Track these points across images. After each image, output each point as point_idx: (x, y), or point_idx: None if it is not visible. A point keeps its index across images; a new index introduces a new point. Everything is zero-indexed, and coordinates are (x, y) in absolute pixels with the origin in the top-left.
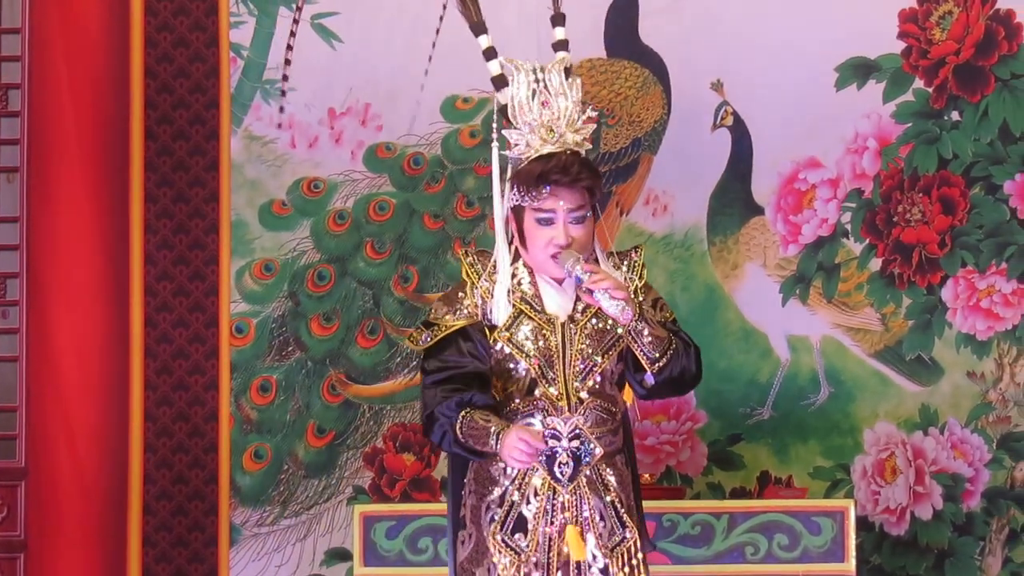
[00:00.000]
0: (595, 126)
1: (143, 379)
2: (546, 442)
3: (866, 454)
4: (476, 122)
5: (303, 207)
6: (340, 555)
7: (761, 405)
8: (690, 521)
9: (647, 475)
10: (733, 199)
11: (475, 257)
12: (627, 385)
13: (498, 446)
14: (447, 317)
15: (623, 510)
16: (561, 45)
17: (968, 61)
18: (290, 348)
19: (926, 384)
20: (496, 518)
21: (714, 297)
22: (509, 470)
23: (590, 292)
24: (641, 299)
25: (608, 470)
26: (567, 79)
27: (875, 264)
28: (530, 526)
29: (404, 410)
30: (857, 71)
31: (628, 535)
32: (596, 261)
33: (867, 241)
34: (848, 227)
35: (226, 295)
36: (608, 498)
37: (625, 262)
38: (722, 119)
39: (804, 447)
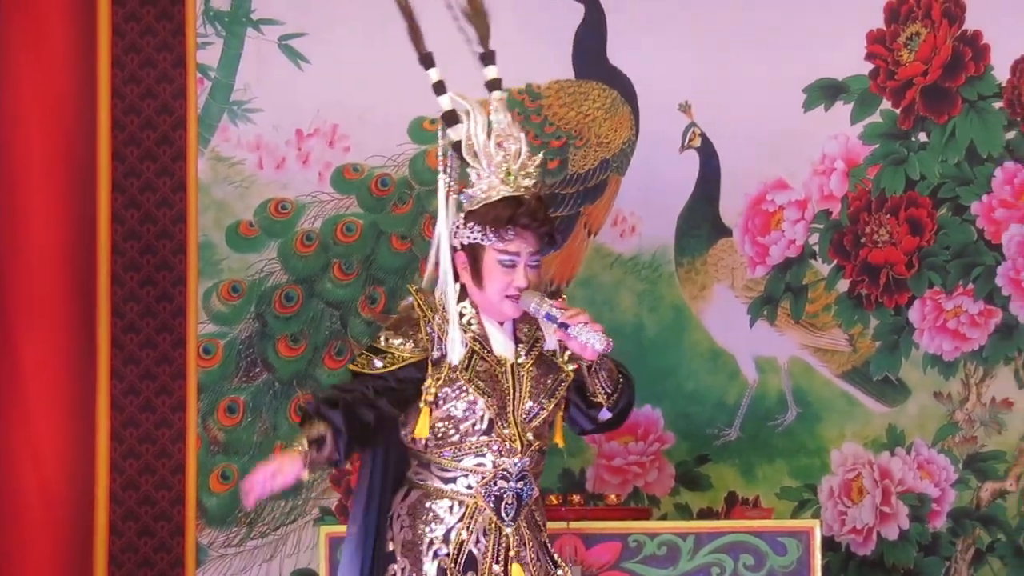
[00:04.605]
0: (540, 169)
1: (110, 400)
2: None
3: (833, 474)
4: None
5: (270, 228)
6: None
7: (729, 426)
8: (656, 542)
9: (614, 496)
10: (701, 220)
11: (426, 295)
12: (558, 426)
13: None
14: (403, 348)
15: (553, 548)
16: (495, 84)
17: (935, 82)
18: (257, 369)
19: (893, 405)
20: (446, 554)
21: (682, 318)
22: (456, 509)
23: (565, 327)
24: None
25: (538, 510)
26: (511, 119)
27: (843, 285)
28: (479, 565)
29: None
30: (825, 92)
31: (560, 573)
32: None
33: (835, 262)
34: (816, 248)
35: (193, 316)
36: (542, 538)
37: None
38: (690, 140)
39: (771, 467)
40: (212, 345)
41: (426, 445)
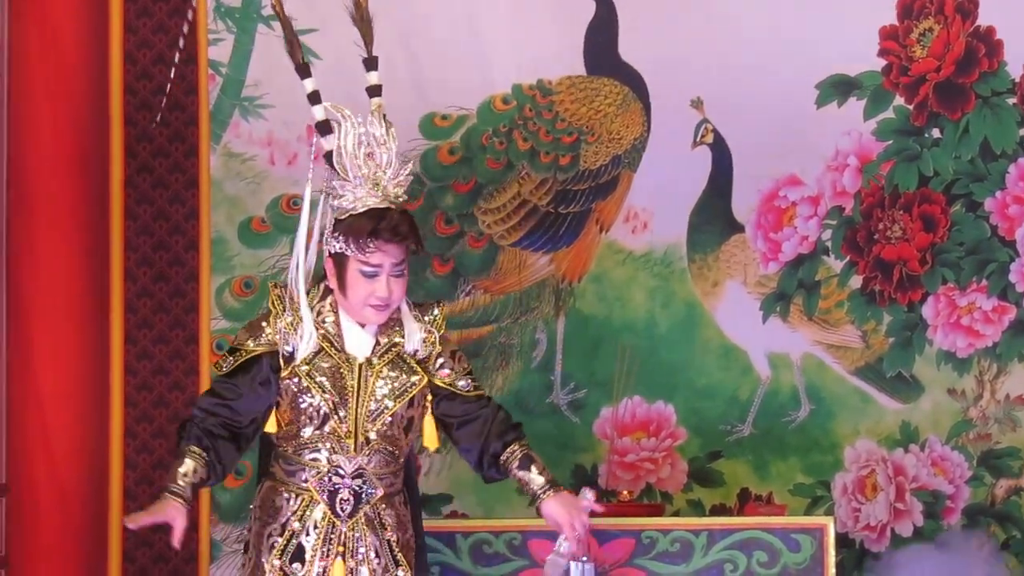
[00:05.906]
0: (412, 177)
1: (123, 396)
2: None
3: (847, 471)
4: (455, 139)
5: (282, 224)
6: None
7: (741, 422)
8: (669, 538)
9: (626, 492)
10: (713, 216)
11: (282, 290)
12: (434, 429)
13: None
14: (249, 343)
15: (398, 548)
16: (375, 90)
17: (949, 78)
18: None
19: (907, 401)
20: (276, 545)
21: (694, 314)
22: (292, 502)
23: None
24: (440, 350)
25: (387, 510)
26: (386, 127)
27: (856, 281)
28: (307, 556)
29: None
30: (837, 88)
31: (400, 573)
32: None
33: (848, 258)
34: (828, 244)
35: (206, 312)
36: (385, 536)
37: (426, 315)
38: (702, 136)
39: (784, 464)
40: (225, 341)
41: (277, 436)
